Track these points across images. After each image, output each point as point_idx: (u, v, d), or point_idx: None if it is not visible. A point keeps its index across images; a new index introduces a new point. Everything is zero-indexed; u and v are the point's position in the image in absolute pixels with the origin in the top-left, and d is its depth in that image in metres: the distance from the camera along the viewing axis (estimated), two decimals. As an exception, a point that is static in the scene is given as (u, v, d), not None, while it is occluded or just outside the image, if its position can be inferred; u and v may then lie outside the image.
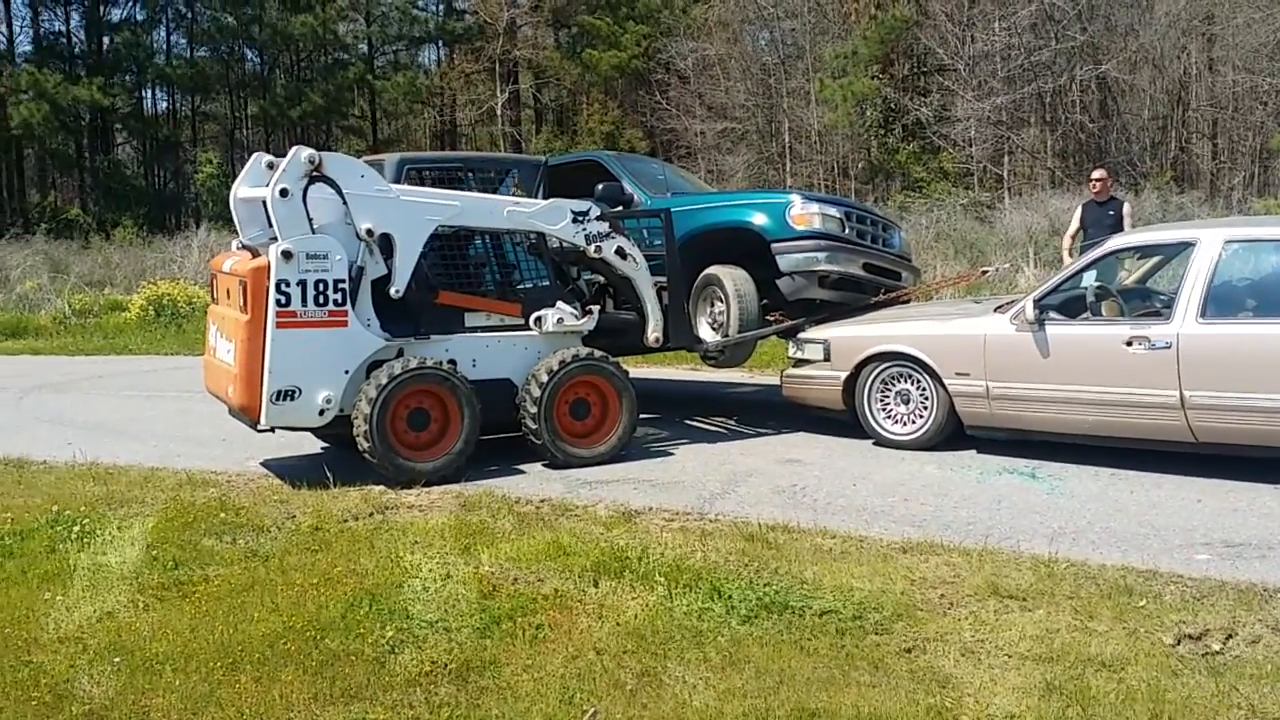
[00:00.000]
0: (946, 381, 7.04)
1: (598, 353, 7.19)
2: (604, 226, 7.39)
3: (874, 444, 7.47)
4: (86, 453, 7.68)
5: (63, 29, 36.33)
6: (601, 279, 8.11)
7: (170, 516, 5.94)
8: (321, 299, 6.44)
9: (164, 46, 37.57)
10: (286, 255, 6.34)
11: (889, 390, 7.40)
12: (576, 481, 6.75)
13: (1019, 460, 6.81)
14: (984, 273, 9.67)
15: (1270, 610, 4.16)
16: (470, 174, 7.71)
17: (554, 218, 7.25)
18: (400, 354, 6.78)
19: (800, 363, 7.90)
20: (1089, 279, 6.82)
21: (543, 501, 6.20)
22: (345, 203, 6.59)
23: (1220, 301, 6.16)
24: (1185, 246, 6.45)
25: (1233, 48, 25.20)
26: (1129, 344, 6.26)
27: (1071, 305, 6.78)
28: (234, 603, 4.53)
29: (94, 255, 24.71)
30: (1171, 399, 6.11)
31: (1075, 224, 10.50)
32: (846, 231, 8.07)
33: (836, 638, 4.03)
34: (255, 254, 6.66)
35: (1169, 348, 6.11)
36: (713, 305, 8.21)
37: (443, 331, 7.00)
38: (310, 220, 6.48)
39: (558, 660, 3.91)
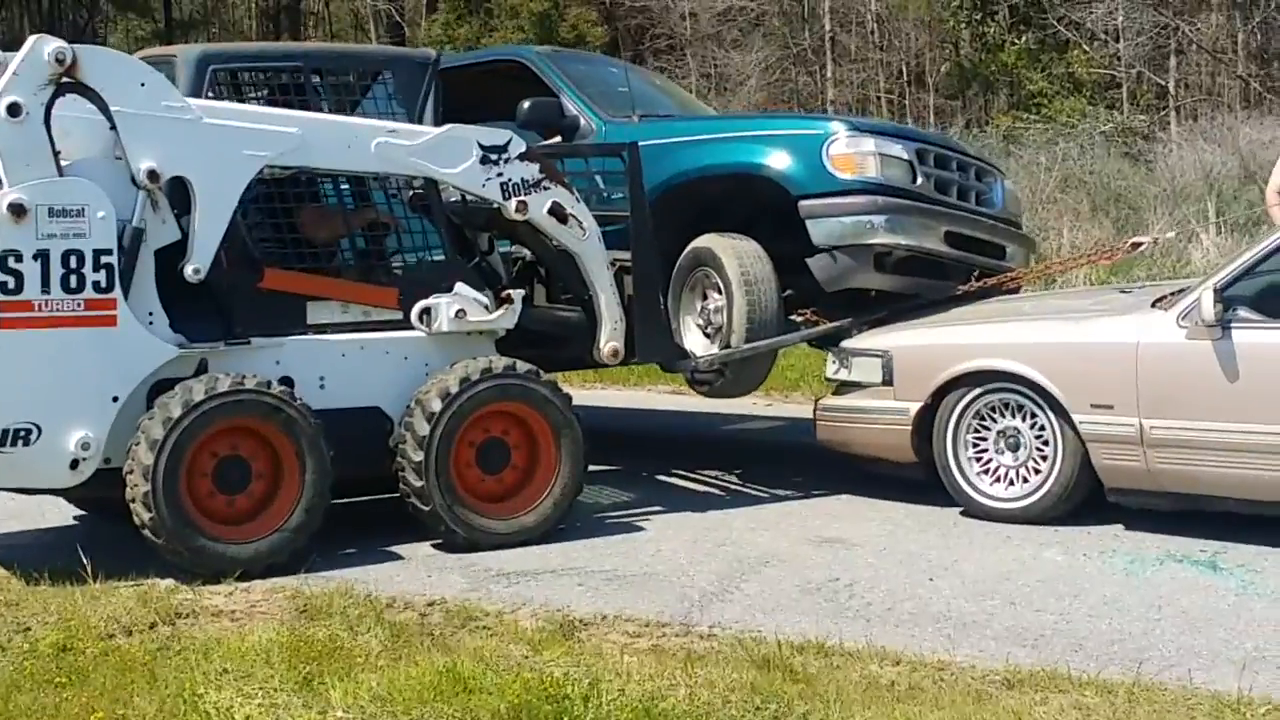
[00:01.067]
0: (1077, 418, 7.09)
1: (521, 365, 7.19)
2: (532, 170, 7.37)
3: (962, 513, 7.50)
4: None
5: None
6: (527, 253, 8.14)
7: None
8: (74, 281, 6.37)
9: None
10: (17, 211, 6.27)
11: (986, 429, 7.44)
12: (486, 573, 6.73)
13: (1190, 541, 6.85)
14: (1136, 245, 9.62)
15: None
16: (317, 78, 7.60)
17: (452, 155, 7.23)
18: (203, 369, 6.74)
19: (845, 387, 7.96)
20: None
21: (431, 605, 6.17)
22: (114, 127, 6.55)
23: None
24: None
25: None
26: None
27: (1276, 298, 6.86)
28: (-74, 770, 4.46)
29: None
30: None
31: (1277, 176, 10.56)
32: (919, 182, 8.09)
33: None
34: None
35: None
36: (705, 298, 8.21)
37: (272, 332, 6.98)
38: (56, 154, 6.44)
39: None
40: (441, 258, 7.53)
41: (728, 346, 7.99)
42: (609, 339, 7.63)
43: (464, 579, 6.65)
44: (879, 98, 31.13)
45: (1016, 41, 28.23)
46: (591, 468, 7.62)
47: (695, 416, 9.20)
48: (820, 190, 7.89)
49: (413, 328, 7.25)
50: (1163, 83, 26.93)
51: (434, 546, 7.11)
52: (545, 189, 7.40)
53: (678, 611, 6.04)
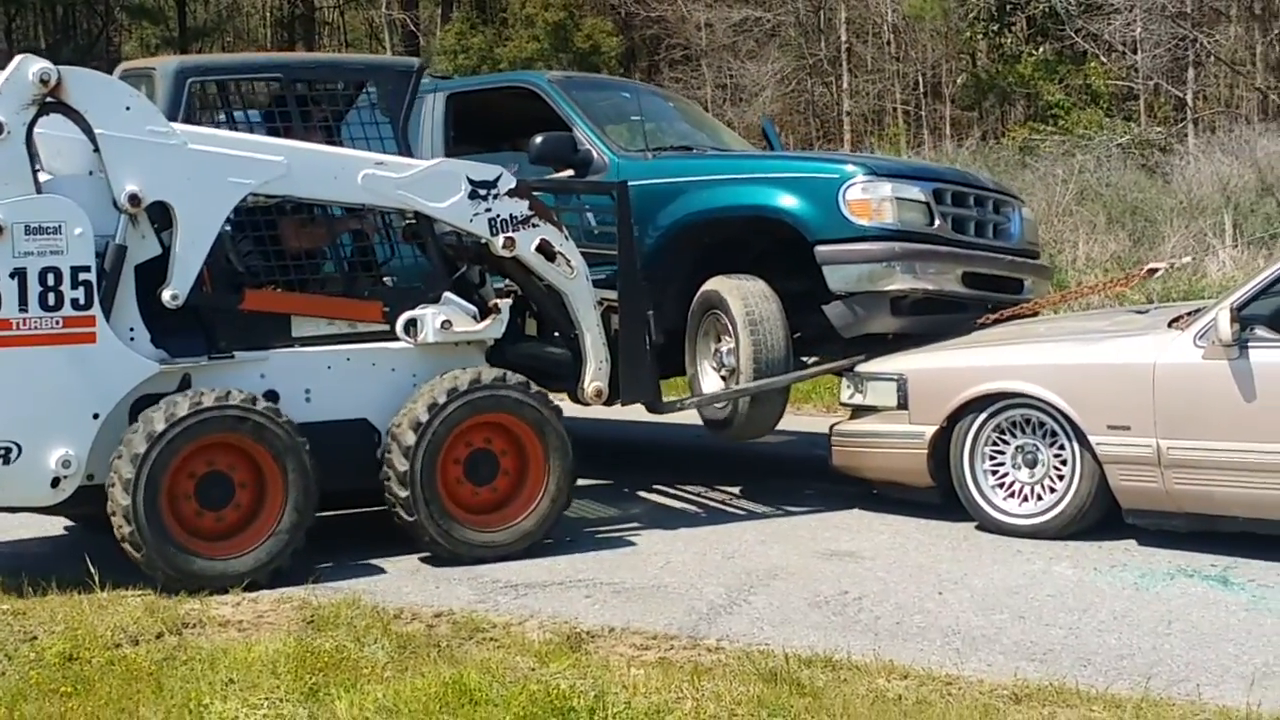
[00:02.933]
0: (1094, 439, 7.10)
1: (510, 376, 7.15)
2: (521, 207, 7.32)
3: (976, 528, 7.51)
4: None
5: None
6: (517, 289, 8.04)
7: None
8: (52, 298, 6.39)
9: None
10: None
11: (1004, 445, 7.46)
12: (493, 584, 6.76)
13: (1201, 557, 6.85)
14: (1152, 271, 9.62)
15: None
16: (297, 89, 7.52)
17: (440, 189, 7.19)
18: (186, 384, 6.72)
19: (860, 411, 7.97)
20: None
21: (439, 616, 6.20)
22: (97, 149, 6.55)
23: None
24: None
25: None
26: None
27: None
28: (-68, 778, 4.49)
29: None
30: None
31: None
32: (936, 224, 8.07)
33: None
34: None
35: None
36: (719, 340, 8.22)
37: (256, 346, 6.96)
38: (36, 172, 6.44)
39: None
40: (427, 270, 7.46)
41: (738, 386, 7.95)
42: (593, 379, 7.59)
43: (472, 590, 6.67)
44: (895, 109, 31.11)
45: (1034, 53, 28.21)
46: (602, 481, 7.64)
47: (701, 431, 9.21)
48: (837, 236, 7.88)
49: (399, 339, 7.22)
50: (1180, 95, 26.89)
51: (421, 560, 7.13)
52: (534, 226, 7.37)
53: (685, 624, 6.07)
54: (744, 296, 7.95)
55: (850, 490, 8.35)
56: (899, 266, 7.88)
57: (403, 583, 6.80)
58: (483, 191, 7.24)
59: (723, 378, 8.17)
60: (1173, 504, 7.00)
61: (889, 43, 31.19)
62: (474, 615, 6.20)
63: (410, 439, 6.86)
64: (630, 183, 8.31)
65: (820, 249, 7.89)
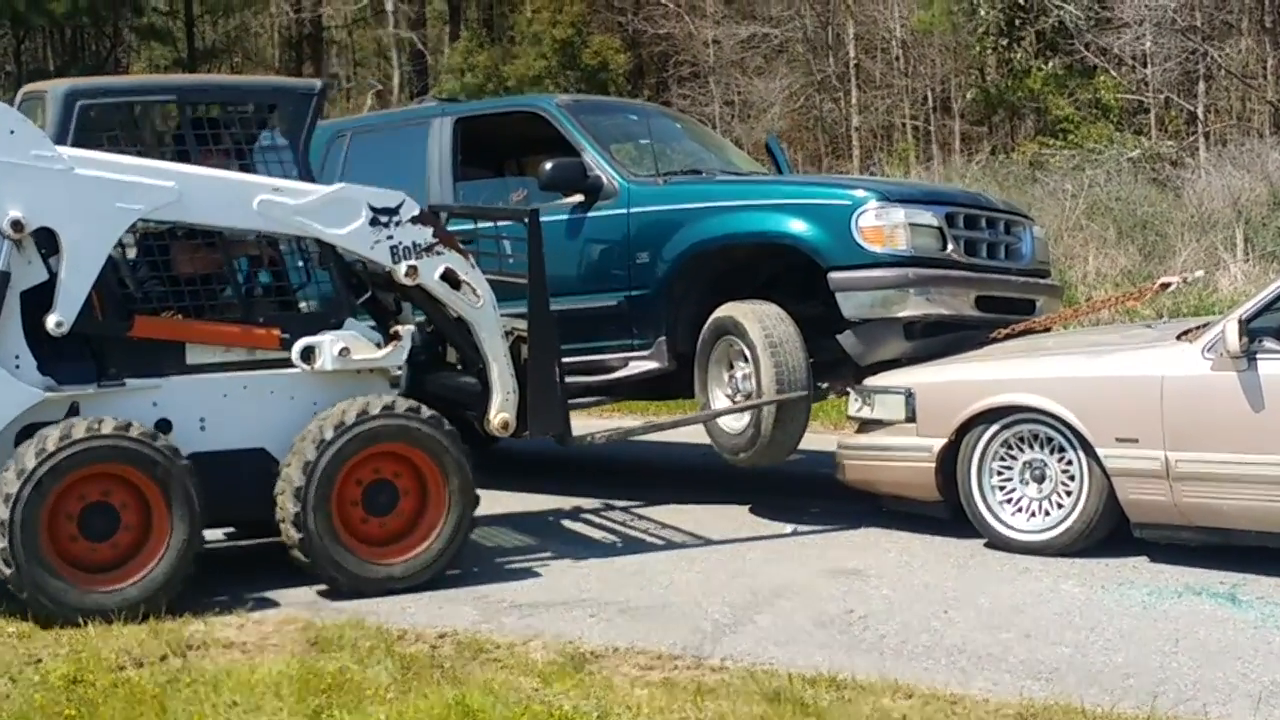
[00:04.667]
0: (1102, 452, 7.10)
1: (400, 403, 7.05)
2: (425, 234, 7.20)
3: (985, 545, 7.51)
4: None
5: None
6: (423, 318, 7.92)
7: None
8: None
9: None
10: None
11: (1012, 459, 7.46)
12: (499, 604, 6.78)
13: (1210, 573, 6.85)
14: (1165, 286, 9.55)
15: None
16: (194, 112, 7.34)
17: (339, 215, 7.04)
18: (74, 412, 6.65)
19: (867, 425, 7.97)
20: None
21: (442, 636, 6.21)
22: None
23: None
24: None
25: None
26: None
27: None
28: (-66, 803, 4.50)
29: None
30: None
31: None
32: (949, 249, 8.08)
33: None
34: None
35: None
36: (732, 368, 8.18)
37: (148, 373, 6.86)
38: None
39: None
40: (329, 293, 7.32)
41: (760, 420, 7.90)
42: (499, 410, 7.40)
43: (476, 610, 6.69)
44: (904, 124, 31.15)
45: (1043, 67, 28.21)
46: (605, 500, 7.63)
47: (707, 447, 9.21)
48: (850, 262, 7.88)
49: (296, 366, 7.06)
50: (1191, 108, 26.89)
51: (319, 594, 7.02)
52: (438, 254, 7.22)
53: (690, 643, 6.07)
54: (761, 320, 7.90)
55: (857, 508, 8.34)
56: (913, 292, 7.87)
57: (407, 603, 6.80)
58: (384, 219, 7.09)
59: (737, 404, 8.13)
60: (1182, 518, 6.99)
61: (898, 58, 31.23)
62: (478, 636, 6.21)
63: (300, 479, 6.74)
64: (642, 209, 8.40)
65: (834, 275, 7.89)
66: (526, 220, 7.54)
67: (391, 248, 7.10)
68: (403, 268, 7.13)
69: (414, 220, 7.17)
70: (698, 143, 10.40)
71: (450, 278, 7.25)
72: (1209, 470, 6.82)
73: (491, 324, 7.37)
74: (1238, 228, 17.83)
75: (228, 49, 40.92)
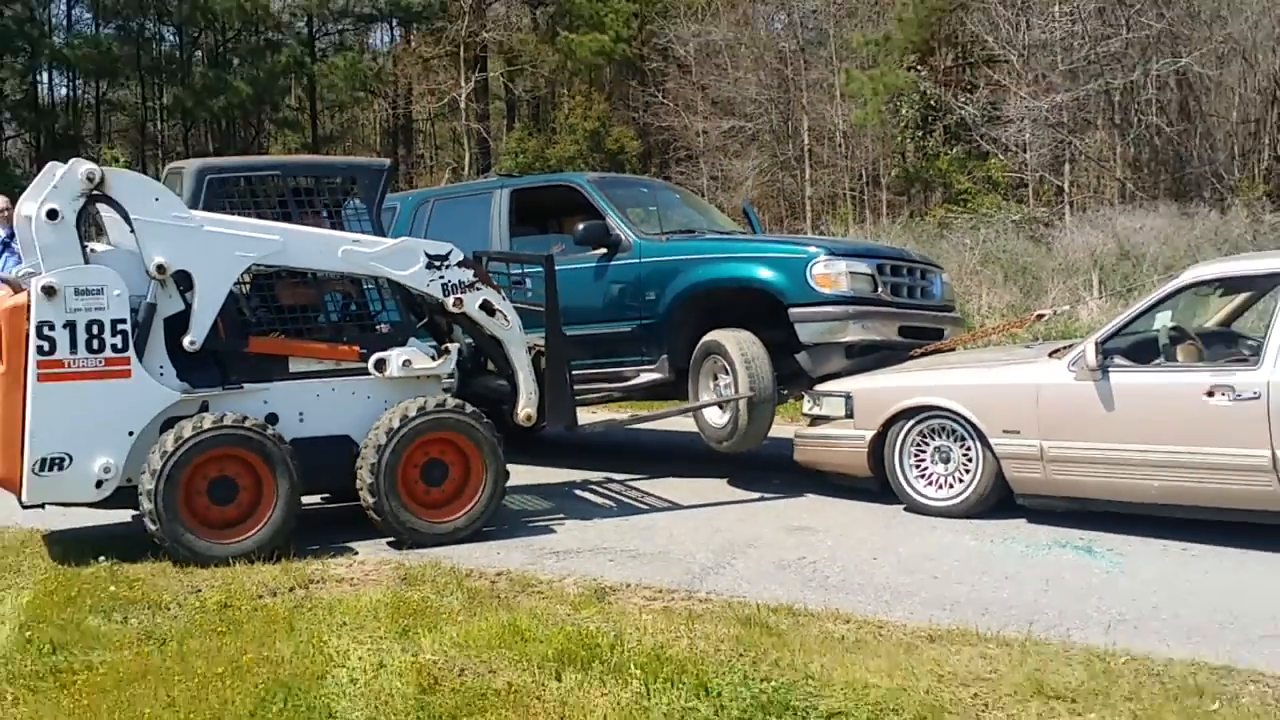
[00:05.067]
0: (993, 441, 7.09)
1: (450, 401, 7.04)
2: (468, 275, 7.20)
3: (905, 509, 7.50)
4: (-49, 510, 7.65)
5: (-60, -1, 36.51)
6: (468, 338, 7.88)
7: (50, 590, 5.93)
8: (95, 344, 6.34)
9: (63, 22, 37.69)
10: (49, 292, 6.25)
11: (925, 445, 7.44)
12: (541, 550, 6.79)
13: (1073, 531, 6.84)
14: (1040, 316, 9.68)
15: (1367, 716, 4.16)
16: (293, 183, 7.32)
17: (404, 261, 7.07)
18: (204, 409, 6.65)
19: (817, 420, 7.94)
20: (1162, 319, 6.89)
21: (499, 575, 6.22)
22: (133, 230, 6.53)
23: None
24: (1276, 279, 6.51)
25: (1339, 39, 25.51)
26: (1210, 395, 6.32)
27: (1142, 349, 6.86)
28: (121, 696, 4.50)
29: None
30: (1261, 460, 6.17)
31: None
32: (879, 290, 8.10)
33: (846, 745, 4.03)
34: (17, 289, 6.62)
35: (1258, 399, 6.17)
36: (716, 379, 8.19)
37: (260, 378, 6.88)
38: (84, 248, 6.43)
39: (509, 770, 3.90)
40: (397, 319, 7.28)
41: (737, 416, 7.92)
42: (524, 406, 7.38)
43: (524, 555, 6.70)
44: (845, 194, 31.07)
45: (949, 153, 28.13)
46: (617, 474, 7.62)
47: (694, 435, 9.22)
48: (806, 301, 7.91)
49: (371, 374, 7.04)
50: (1059, 183, 26.80)
51: (389, 544, 7.07)
52: (478, 289, 7.22)
53: (683, 581, 6.08)
54: (738, 343, 7.94)
55: (809, 482, 8.32)
56: (852, 323, 7.91)
57: (473, 550, 6.82)
58: (437, 263, 7.11)
59: (721, 407, 8.13)
60: (1052, 490, 6.99)
61: (840, 145, 31.15)
62: (525, 574, 6.23)
63: (374, 458, 6.76)
64: (650, 259, 8.47)
65: (793, 310, 7.92)
66: (544, 262, 7.54)
67: (443, 285, 7.11)
68: (451, 300, 7.15)
69: (460, 264, 7.18)
70: (691, 208, 10.40)
71: (487, 307, 7.25)
72: (1072, 454, 6.81)
73: (519, 341, 7.38)
74: (1093, 273, 17.77)
75: (342, 135, 41.03)
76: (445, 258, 7.15)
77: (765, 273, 8.08)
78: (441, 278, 7.12)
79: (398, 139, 41.60)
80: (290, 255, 6.87)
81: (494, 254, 8.19)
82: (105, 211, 6.68)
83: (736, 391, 7.87)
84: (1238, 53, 26.50)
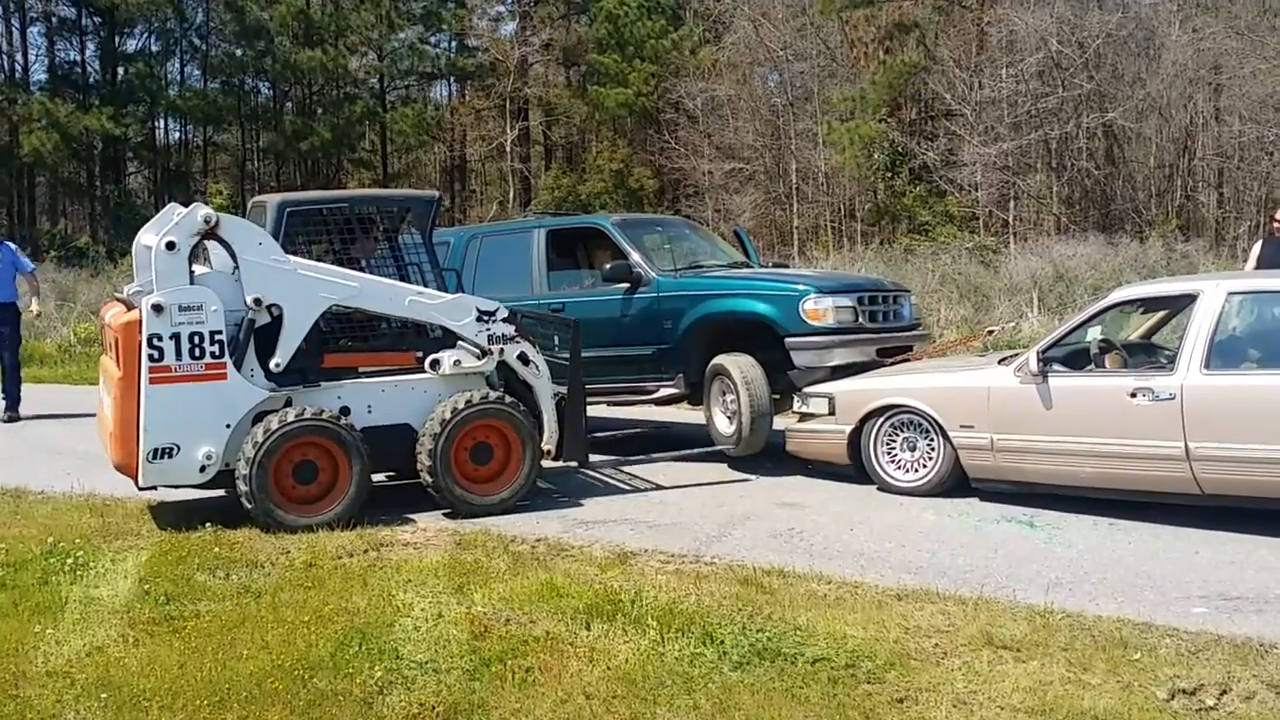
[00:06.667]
0: (951, 434, 7.05)
1: (497, 395, 7.01)
2: (509, 329, 7.13)
3: (877, 489, 7.45)
4: (84, 484, 7.70)
5: (77, 59, 36.72)
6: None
7: (164, 550, 5.96)
8: (197, 352, 6.35)
9: (177, 78, 37.90)
10: (157, 309, 6.28)
11: (895, 437, 7.40)
12: (574, 521, 6.77)
13: (1018, 509, 6.80)
14: (990, 332, 9.70)
15: (1266, 666, 4.14)
16: (357, 214, 7.24)
17: (458, 314, 7.03)
18: (289, 404, 6.65)
19: (805, 417, 7.91)
20: (1093, 332, 6.86)
21: (539, 541, 6.21)
22: (237, 266, 6.56)
23: (1224, 353, 6.18)
24: (1189, 299, 6.48)
25: (1239, 98, 25.30)
26: (1133, 396, 6.26)
27: (1076, 357, 6.80)
28: (224, 639, 4.52)
29: (102, 284, 24.83)
30: (1175, 450, 6.11)
31: (1253, 261, 9.95)
32: (860, 319, 8.09)
33: (828, 686, 4.02)
34: (130, 306, 6.63)
35: (1173, 399, 6.11)
36: (724, 396, 8.18)
37: (334, 378, 6.86)
38: (191, 273, 6.46)
39: (546, 705, 3.90)
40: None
41: (741, 427, 7.89)
42: (546, 441, 7.30)
43: (559, 525, 6.68)
44: (826, 225, 30.97)
45: (913, 190, 28.06)
46: (632, 457, 7.63)
47: (701, 426, 9.19)
48: (799, 331, 7.91)
49: (427, 372, 7.02)
50: (1005, 217, 26.70)
51: (444, 515, 7.04)
52: (516, 342, 7.18)
53: (691, 547, 6.07)
54: (740, 367, 7.93)
55: (797, 466, 8.28)
56: (838, 350, 7.92)
57: (516, 520, 6.81)
58: (486, 317, 7.07)
59: (728, 419, 8.14)
60: (1000, 475, 6.94)
61: (822, 184, 31.04)
62: (560, 541, 6.22)
63: (431, 443, 6.77)
64: (667, 293, 8.45)
65: (789, 340, 7.93)
66: (571, 327, 7.51)
67: (488, 335, 7.07)
68: (495, 350, 7.10)
69: (504, 320, 7.14)
70: (700, 239, 10.34)
71: (522, 358, 7.21)
72: (1018, 445, 6.77)
73: (546, 388, 7.32)
74: (1034, 293, 17.67)
75: (408, 173, 41.05)
76: (493, 314, 7.11)
77: (764, 307, 8.07)
78: (488, 329, 7.08)
79: (454, 176, 41.72)
80: (365, 300, 6.87)
81: (530, 314, 8.04)
82: (210, 244, 6.69)
83: (739, 409, 7.88)
84: (1155, 109, 26.41)
